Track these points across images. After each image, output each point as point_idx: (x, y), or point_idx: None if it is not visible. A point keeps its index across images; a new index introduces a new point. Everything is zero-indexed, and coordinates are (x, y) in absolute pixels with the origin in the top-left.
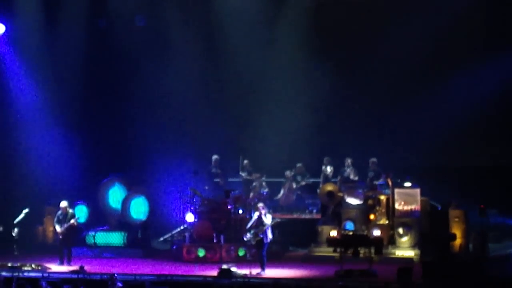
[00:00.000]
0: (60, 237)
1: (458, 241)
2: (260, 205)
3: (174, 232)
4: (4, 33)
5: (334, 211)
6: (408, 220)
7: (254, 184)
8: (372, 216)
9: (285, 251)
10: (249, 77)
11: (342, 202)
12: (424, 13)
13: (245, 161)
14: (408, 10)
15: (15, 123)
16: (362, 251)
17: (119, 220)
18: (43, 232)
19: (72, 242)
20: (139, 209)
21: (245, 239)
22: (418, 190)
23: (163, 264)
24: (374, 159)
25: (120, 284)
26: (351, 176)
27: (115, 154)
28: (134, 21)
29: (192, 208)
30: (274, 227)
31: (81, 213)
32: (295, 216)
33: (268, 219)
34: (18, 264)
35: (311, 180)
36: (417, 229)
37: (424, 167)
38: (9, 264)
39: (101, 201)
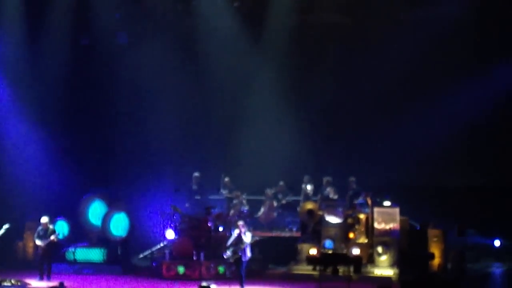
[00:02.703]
0: (40, 252)
1: (436, 261)
2: (240, 223)
3: (154, 249)
4: None
5: (314, 230)
6: (387, 239)
7: (234, 202)
8: (351, 235)
9: (264, 269)
10: (231, 95)
11: (322, 221)
12: (408, 33)
13: (226, 179)
14: (392, 29)
15: None
16: (341, 269)
17: (99, 236)
18: (23, 248)
19: (52, 258)
20: (119, 225)
21: (224, 256)
22: (397, 210)
23: (142, 281)
24: (353, 178)
25: None
26: (331, 195)
27: (96, 170)
28: (116, 38)
29: (172, 225)
30: (253, 245)
31: (62, 229)
32: (275, 234)
33: (247, 238)
34: None
35: (292, 198)
36: (396, 248)
37: (404, 186)
38: None
39: (81, 217)
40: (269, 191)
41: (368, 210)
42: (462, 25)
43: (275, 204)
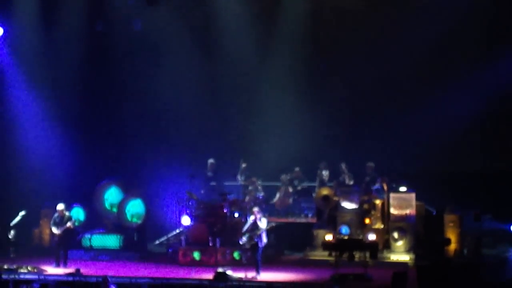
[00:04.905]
0: (56, 239)
1: (452, 246)
2: (255, 209)
3: (170, 235)
4: (2, 35)
5: (330, 215)
6: (403, 225)
7: (250, 188)
8: (367, 221)
9: (280, 254)
10: (246, 81)
11: (337, 206)
12: (421, 20)
13: (244, 165)
14: (405, 17)
15: (12, 126)
16: (357, 255)
17: (115, 223)
18: (39, 235)
19: (68, 245)
20: (135, 212)
21: (240, 242)
22: (413, 195)
23: (159, 267)
24: (371, 164)
25: (113, 287)
26: (347, 181)
27: (112, 156)
28: (131, 25)
29: (188, 211)
30: (269, 231)
31: (78, 215)
32: (290, 220)
33: (263, 224)
34: (15, 267)
35: (307, 184)
36: (412, 234)
37: (420, 172)
38: (5, 267)
39: (97, 203)
40: (285, 177)
41: (384, 195)
42: (478, 9)
43: (290, 190)
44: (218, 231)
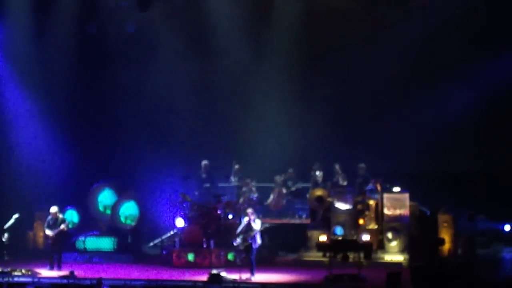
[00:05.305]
0: (50, 242)
1: (446, 246)
2: (249, 210)
3: (164, 237)
4: None
5: (324, 216)
6: (397, 225)
7: (243, 189)
8: (361, 221)
9: (274, 256)
10: (240, 83)
11: (331, 207)
12: (411, 21)
13: (237, 166)
14: (395, 18)
15: (4, 128)
16: (351, 256)
17: (109, 225)
18: (33, 237)
19: (62, 247)
20: (129, 214)
21: (234, 244)
22: (407, 195)
23: (153, 269)
24: (362, 165)
25: None
26: (341, 182)
27: (105, 159)
28: (124, 27)
29: (182, 213)
30: (263, 232)
31: (71, 218)
32: (284, 221)
33: (257, 225)
34: (8, 269)
35: (301, 185)
36: (406, 234)
37: (413, 172)
38: None
39: (91, 206)
40: (279, 178)
41: (377, 196)
42: (472, 10)
43: (284, 191)
44: (212, 232)
